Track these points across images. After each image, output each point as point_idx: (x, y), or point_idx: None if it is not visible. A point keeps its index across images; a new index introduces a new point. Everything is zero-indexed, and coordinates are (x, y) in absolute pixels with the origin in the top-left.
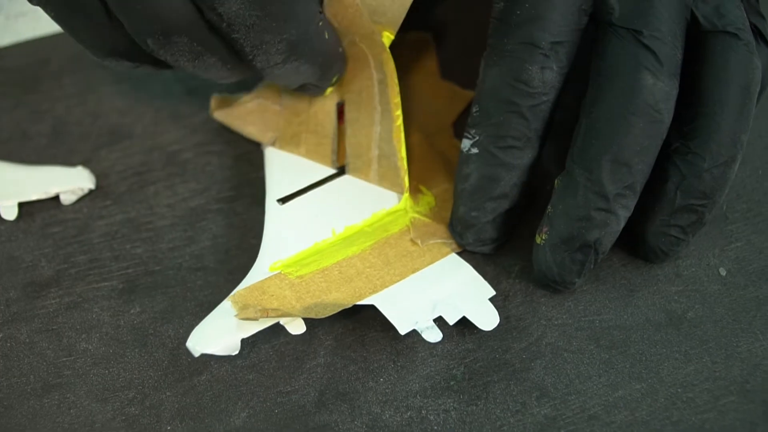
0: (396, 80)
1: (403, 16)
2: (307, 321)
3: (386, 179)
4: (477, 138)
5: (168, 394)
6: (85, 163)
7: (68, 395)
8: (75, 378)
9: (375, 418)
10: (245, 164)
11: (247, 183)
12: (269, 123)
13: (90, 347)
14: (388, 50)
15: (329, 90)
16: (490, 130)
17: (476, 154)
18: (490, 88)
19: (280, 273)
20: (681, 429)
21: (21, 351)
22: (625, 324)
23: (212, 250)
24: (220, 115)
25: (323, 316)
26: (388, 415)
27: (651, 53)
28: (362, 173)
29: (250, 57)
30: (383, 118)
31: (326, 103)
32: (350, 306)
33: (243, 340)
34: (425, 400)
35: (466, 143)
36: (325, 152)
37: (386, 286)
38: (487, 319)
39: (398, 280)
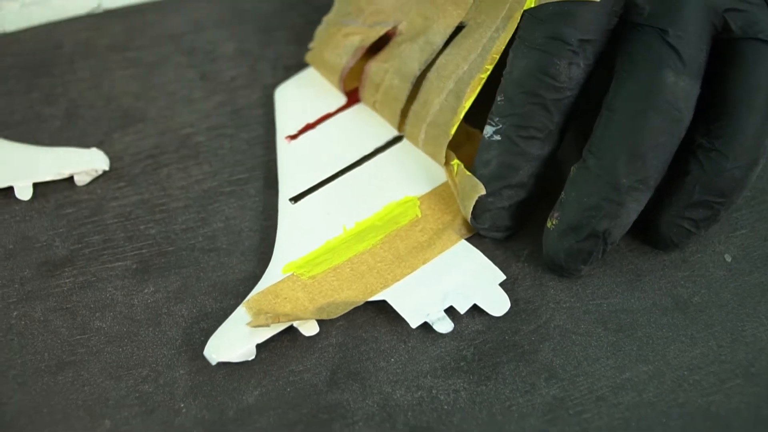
0: (507, 39)
1: None
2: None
3: (430, 147)
4: (500, 126)
5: (181, 372)
6: (99, 146)
7: (82, 373)
8: (89, 356)
9: (386, 398)
10: (258, 147)
11: (260, 166)
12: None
13: (104, 326)
14: (522, 11)
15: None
16: (514, 119)
17: (498, 141)
18: (518, 78)
19: (292, 274)
20: (687, 411)
21: (36, 329)
22: (632, 308)
23: (225, 231)
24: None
25: (335, 316)
26: (399, 395)
27: (675, 52)
28: (414, 137)
29: None
30: (475, 62)
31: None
32: (362, 303)
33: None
34: (436, 380)
35: (488, 129)
36: (395, 107)
37: (397, 280)
38: (498, 304)
39: (409, 273)
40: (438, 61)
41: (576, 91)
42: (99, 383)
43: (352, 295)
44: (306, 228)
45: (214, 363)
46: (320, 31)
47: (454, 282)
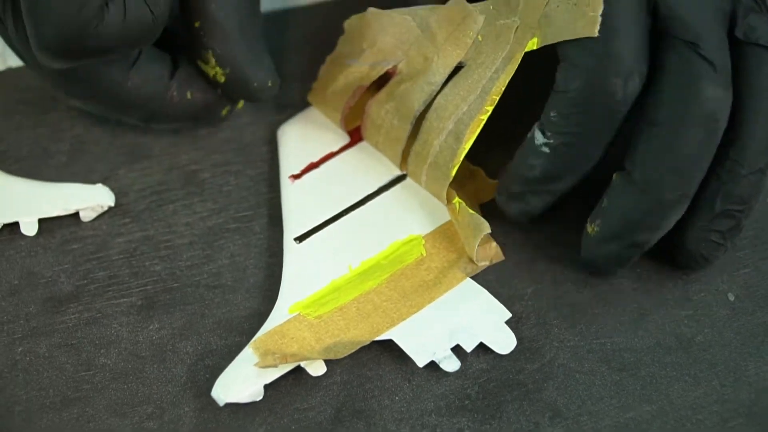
0: (507, 80)
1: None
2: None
3: (432, 187)
4: (551, 141)
5: (186, 409)
6: (104, 182)
7: (87, 409)
8: (94, 392)
9: None
10: (263, 184)
11: (265, 203)
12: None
13: (109, 362)
14: (522, 53)
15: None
16: (567, 137)
17: (546, 153)
18: (572, 97)
19: (299, 314)
20: None
21: (40, 365)
22: (635, 347)
23: (230, 268)
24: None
25: (342, 356)
26: None
27: (709, 64)
28: (416, 177)
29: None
30: (474, 103)
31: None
32: (368, 342)
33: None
34: (440, 419)
35: (539, 138)
36: (397, 147)
37: (403, 319)
38: (504, 342)
39: (415, 312)
40: (437, 102)
41: (629, 106)
42: (104, 420)
43: (358, 334)
44: (311, 267)
45: (222, 404)
46: (323, 71)
47: (460, 320)
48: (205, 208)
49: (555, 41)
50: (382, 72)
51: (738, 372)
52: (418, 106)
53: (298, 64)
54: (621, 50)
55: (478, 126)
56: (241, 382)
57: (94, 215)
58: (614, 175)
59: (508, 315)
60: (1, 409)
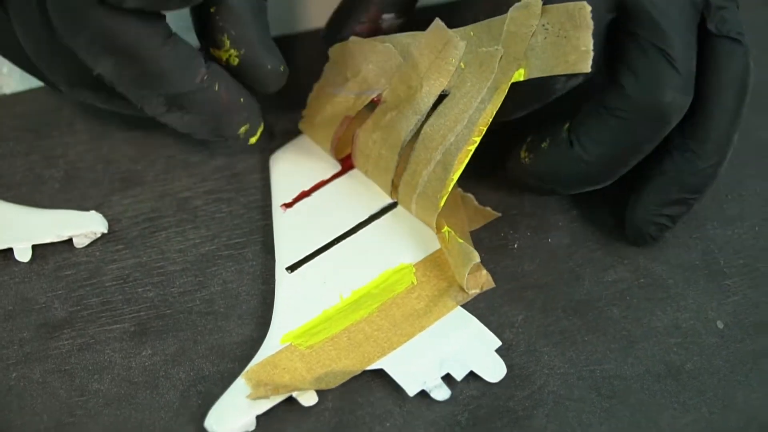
0: (494, 111)
1: (550, 73)
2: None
3: (421, 216)
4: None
5: None
6: (98, 208)
7: None
8: (87, 418)
9: None
10: (255, 212)
11: (257, 230)
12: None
13: (102, 388)
14: (508, 84)
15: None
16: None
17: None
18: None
19: (290, 345)
20: None
21: (34, 390)
22: (625, 374)
23: (222, 295)
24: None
25: (333, 386)
26: None
27: (674, 70)
28: (406, 205)
29: (139, 106)
30: (462, 134)
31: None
32: (359, 372)
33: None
34: None
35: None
36: (386, 177)
37: (394, 348)
38: (494, 370)
39: (406, 341)
40: (424, 131)
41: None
42: None
43: (349, 364)
44: (303, 297)
45: None
46: (311, 99)
47: (451, 349)
48: (198, 235)
49: (545, 75)
50: (367, 102)
51: (727, 399)
52: (404, 135)
53: (288, 92)
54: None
55: (466, 156)
56: (234, 413)
57: (87, 242)
58: (564, 128)
59: (498, 343)
60: None
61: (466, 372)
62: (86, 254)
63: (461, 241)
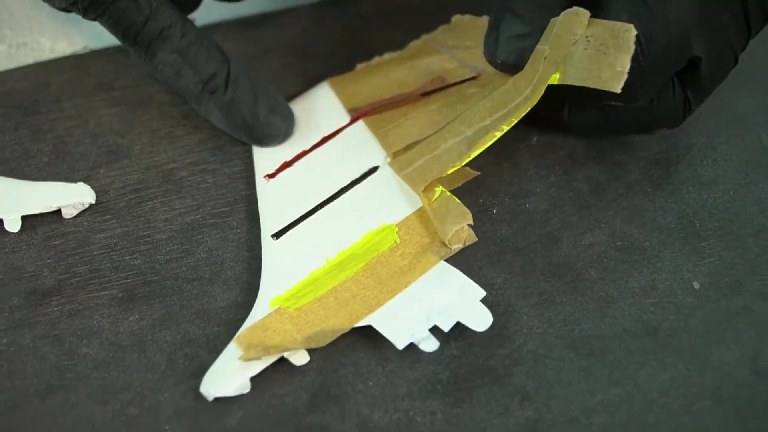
0: (527, 110)
1: (580, 84)
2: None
3: (417, 174)
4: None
5: (166, 395)
6: (85, 181)
7: (70, 397)
8: (76, 381)
9: (365, 420)
10: (239, 182)
11: (241, 199)
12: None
13: (91, 352)
14: (546, 85)
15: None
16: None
17: None
18: None
19: (279, 308)
20: (658, 431)
21: (24, 355)
22: (602, 333)
23: (208, 261)
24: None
25: (324, 345)
26: (377, 417)
27: None
28: (406, 161)
29: None
30: (496, 120)
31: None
32: (348, 330)
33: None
34: (413, 403)
35: None
36: (408, 138)
37: (381, 305)
38: (480, 319)
39: (392, 297)
40: (470, 108)
41: None
42: (86, 407)
43: (338, 323)
44: (289, 262)
45: (210, 399)
46: (414, 44)
47: (437, 302)
48: (184, 204)
49: (576, 84)
50: (465, 76)
51: (703, 357)
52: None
53: (271, 67)
54: None
55: (490, 140)
56: (228, 376)
57: (75, 212)
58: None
59: (483, 293)
60: None
61: (453, 323)
62: (74, 224)
63: (458, 201)
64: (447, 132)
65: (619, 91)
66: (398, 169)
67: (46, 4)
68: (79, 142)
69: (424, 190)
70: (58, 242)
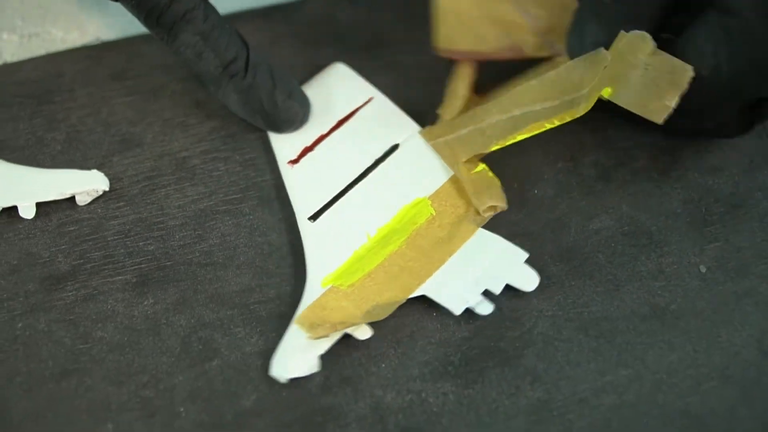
0: (577, 115)
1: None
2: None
3: (457, 146)
4: None
5: (180, 378)
6: (99, 169)
7: (85, 379)
8: (91, 363)
9: (377, 401)
10: (251, 169)
11: (253, 186)
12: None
13: (105, 335)
14: (597, 95)
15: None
16: None
17: None
18: None
19: (332, 287)
20: (666, 411)
21: (40, 339)
22: (611, 316)
23: (221, 247)
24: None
25: (384, 317)
26: (389, 398)
27: None
28: (446, 129)
29: None
30: (547, 110)
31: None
32: (404, 301)
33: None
34: (425, 384)
35: None
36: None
37: (430, 275)
38: (528, 279)
39: (439, 267)
40: (520, 88)
41: None
42: (101, 389)
43: (392, 295)
44: (331, 242)
45: (284, 381)
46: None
47: (483, 267)
48: (196, 191)
49: (622, 105)
50: (544, 53)
51: (710, 338)
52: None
53: (282, 56)
54: None
55: (537, 130)
56: (296, 356)
57: (89, 199)
58: None
59: (526, 255)
60: (1, 380)
61: (503, 285)
62: (88, 211)
63: (499, 183)
64: (494, 106)
65: (660, 123)
66: (430, 137)
67: None
68: (92, 131)
69: (467, 162)
70: (72, 228)
